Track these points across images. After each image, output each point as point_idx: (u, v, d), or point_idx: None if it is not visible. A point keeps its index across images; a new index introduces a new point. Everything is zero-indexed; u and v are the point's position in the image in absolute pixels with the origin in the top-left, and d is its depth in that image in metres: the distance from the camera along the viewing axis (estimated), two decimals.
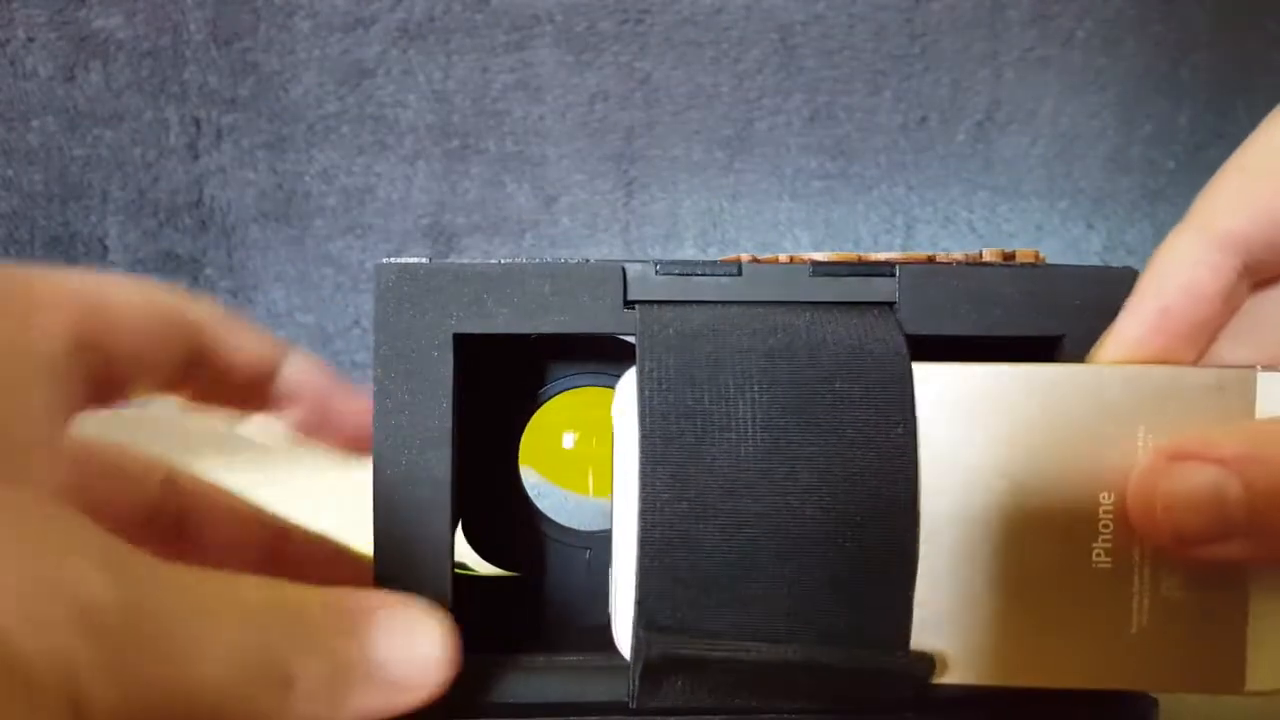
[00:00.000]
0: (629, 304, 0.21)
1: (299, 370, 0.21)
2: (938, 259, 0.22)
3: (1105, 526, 0.19)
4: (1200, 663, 0.19)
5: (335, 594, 0.16)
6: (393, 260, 0.21)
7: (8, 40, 0.59)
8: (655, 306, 0.21)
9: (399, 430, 0.21)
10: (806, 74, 0.65)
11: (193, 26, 0.61)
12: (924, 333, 0.21)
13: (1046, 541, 0.19)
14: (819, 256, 0.21)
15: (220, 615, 0.14)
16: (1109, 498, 0.19)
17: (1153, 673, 0.20)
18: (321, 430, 0.22)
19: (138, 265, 0.62)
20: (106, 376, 0.18)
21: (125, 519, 0.19)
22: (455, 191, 0.64)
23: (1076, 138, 0.66)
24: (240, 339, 0.20)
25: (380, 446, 0.21)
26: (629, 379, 0.20)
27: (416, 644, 0.16)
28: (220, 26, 0.61)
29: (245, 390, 0.21)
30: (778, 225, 0.66)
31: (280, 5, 0.61)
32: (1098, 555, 0.19)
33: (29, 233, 0.61)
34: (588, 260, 0.21)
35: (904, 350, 0.19)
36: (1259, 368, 0.19)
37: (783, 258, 0.22)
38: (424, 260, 0.21)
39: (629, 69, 0.64)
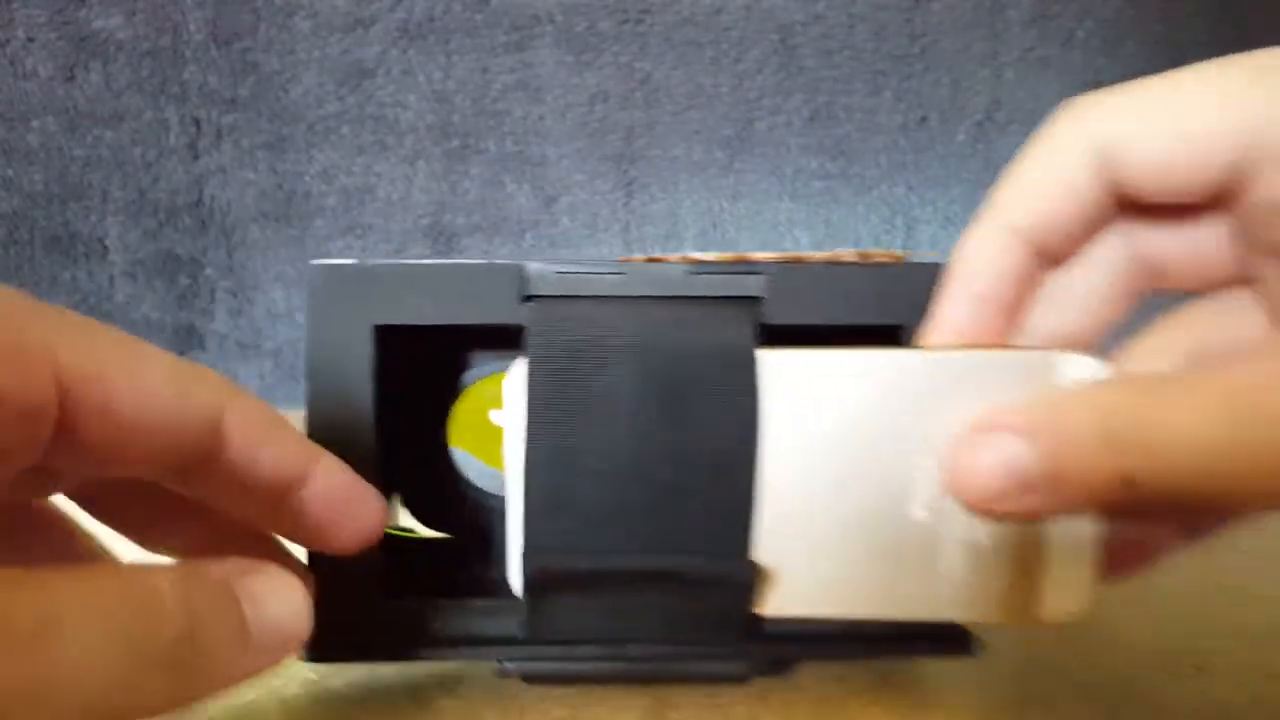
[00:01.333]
0: (526, 299, 0.24)
1: (327, 484, 0.20)
2: (804, 259, 0.25)
3: (923, 485, 0.22)
4: (1004, 597, 0.22)
5: (189, 569, 0.16)
6: (322, 262, 0.24)
7: (8, 40, 0.60)
8: (548, 301, 0.24)
9: (330, 409, 0.24)
10: (806, 74, 0.66)
11: (193, 26, 0.61)
12: (787, 323, 0.24)
13: (875, 497, 0.22)
14: (706, 257, 0.25)
15: (80, 615, 0.14)
16: (929, 462, 0.22)
17: (963, 607, 0.23)
18: (327, 534, 0.21)
19: (138, 265, 0.62)
20: (78, 452, 0.16)
21: (167, 458, 0.18)
22: (455, 192, 0.64)
23: None
24: (271, 452, 0.19)
25: (314, 424, 0.24)
26: (521, 362, 0.23)
27: (274, 608, 0.17)
28: (220, 26, 0.61)
29: (264, 497, 0.20)
30: (778, 225, 0.67)
31: (280, 5, 0.61)
32: (916, 509, 0.22)
33: (29, 233, 0.61)
34: (492, 261, 0.24)
35: (750, 338, 0.23)
36: (1058, 350, 0.21)
37: (674, 257, 0.25)
38: (350, 261, 0.24)
39: (629, 69, 0.64)
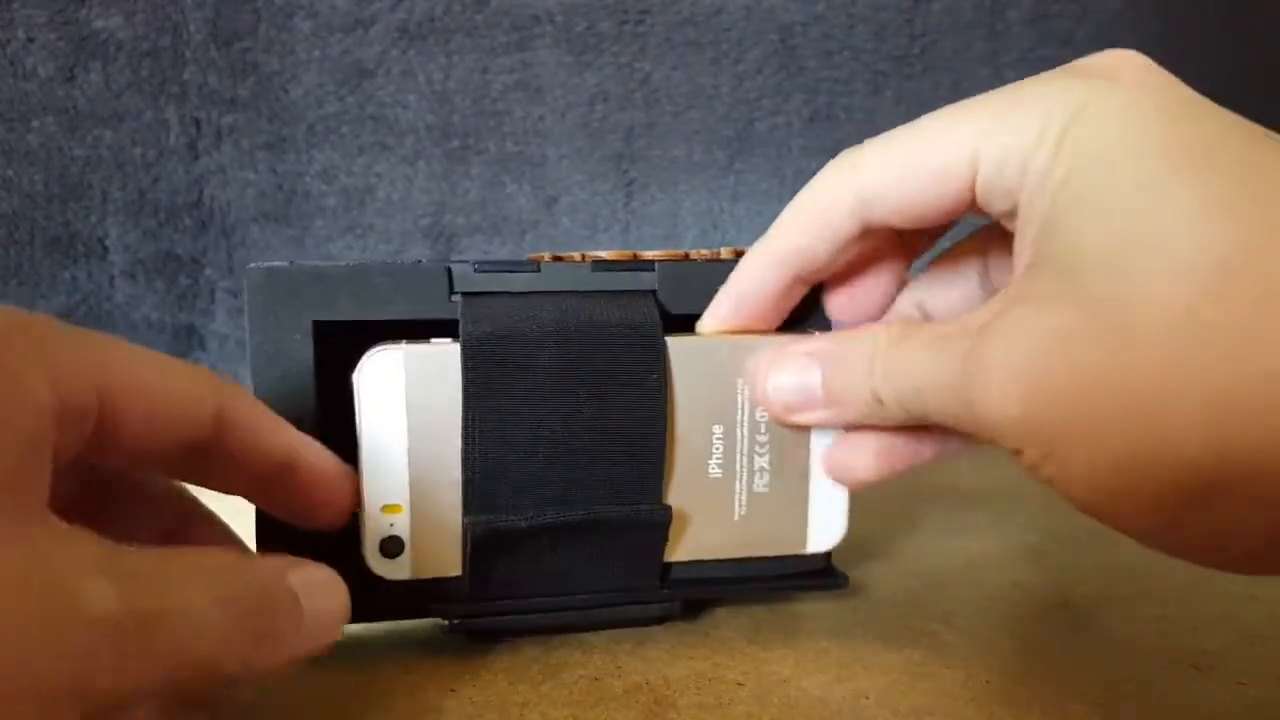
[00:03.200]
0: (454, 295, 0.26)
1: (316, 468, 0.23)
2: (691, 256, 0.29)
3: (716, 448, 0.27)
4: (780, 534, 0.28)
5: (278, 560, 0.20)
6: (260, 265, 0.26)
7: (8, 40, 0.60)
8: (475, 297, 0.26)
9: (274, 403, 0.25)
10: (806, 75, 0.65)
11: (193, 27, 0.61)
12: (680, 313, 0.27)
13: (687, 459, 0.27)
14: (605, 255, 0.28)
15: (203, 591, 0.17)
16: (719, 429, 0.27)
17: (753, 544, 0.28)
18: (314, 514, 0.24)
19: (138, 265, 0.62)
20: (103, 445, 0.18)
21: (181, 450, 0.20)
22: (455, 192, 0.64)
23: None
24: (266, 438, 0.21)
25: None
26: (374, 353, 0.25)
27: (332, 600, 0.21)
28: (220, 27, 0.61)
29: (260, 481, 0.22)
30: None
31: (280, 5, 0.61)
32: (712, 468, 0.28)
33: (29, 233, 0.61)
34: (420, 261, 0.26)
35: (658, 321, 0.27)
36: (816, 334, 0.27)
37: (577, 256, 0.28)
38: (286, 264, 0.26)
39: (629, 69, 0.64)
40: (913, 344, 0.22)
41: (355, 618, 0.26)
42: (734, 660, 0.27)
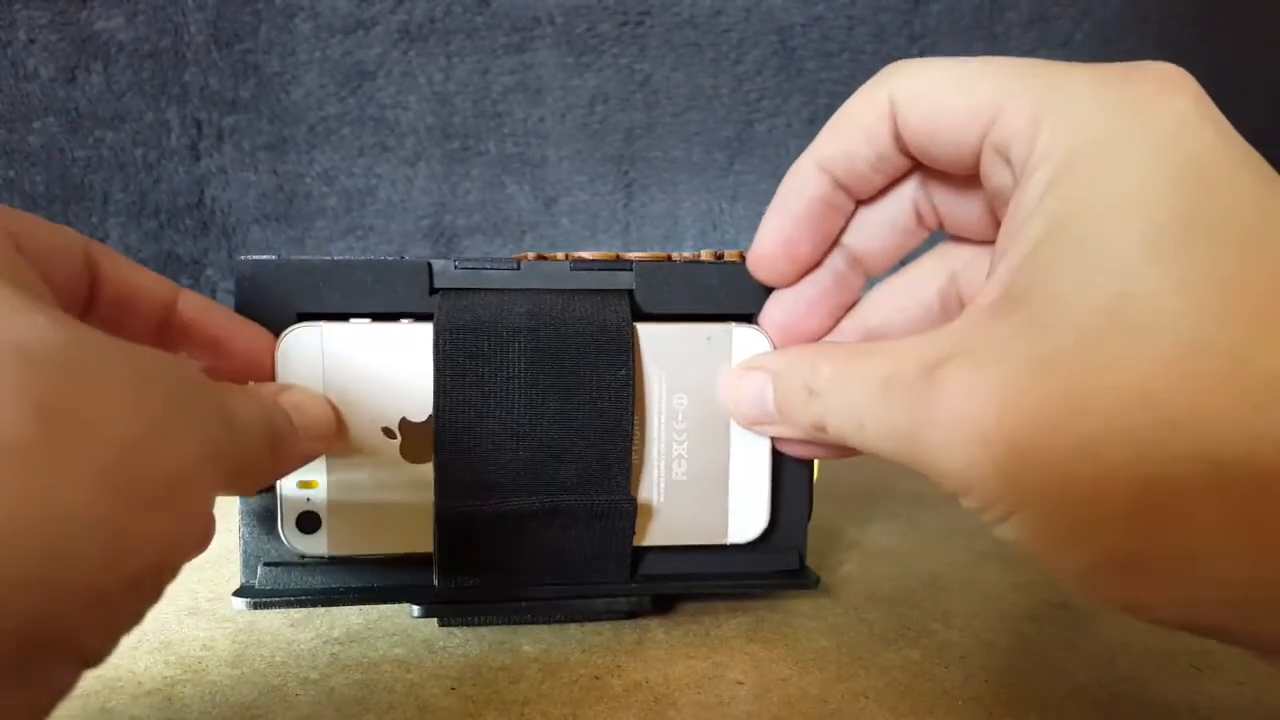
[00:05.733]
0: (433, 291, 0.27)
1: (193, 305, 0.24)
2: (673, 258, 0.29)
3: (634, 435, 0.27)
4: (700, 524, 0.29)
5: (272, 386, 0.23)
6: (249, 257, 0.27)
7: (9, 42, 0.60)
8: (453, 292, 0.27)
9: None
10: (806, 76, 0.66)
11: (194, 28, 0.61)
12: (656, 312, 0.28)
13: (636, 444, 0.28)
14: (586, 255, 0.29)
15: (245, 405, 0.20)
16: (637, 416, 0.27)
17: (674, 533, 0.29)
18: (219, 361, 0.24)
19: None
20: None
21: (62, 295, 0.21)
22: (456, 193, 0.64)
23: None
24: (137, 272, 0.22)
25: None
26: (291, 333, 0.26)
27: (318, 411, 0.24)
28: (221, 28, 0.61)
29: (147, 322, 0.23)
30: None
31: (281, 7, 0.61)
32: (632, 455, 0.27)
33: None
34: (402, 257, 0.27)
35: (628, 319, 0.27)
36: (734, 325, 0.28)
37: (560, 256, 0.29)
38: (273, 257, 0.27)
39: (629, 71, 0.64)
40: (856, 377, 0.22)
41: (319, 603, 0.27)
42: (734, 660, 0.27)
